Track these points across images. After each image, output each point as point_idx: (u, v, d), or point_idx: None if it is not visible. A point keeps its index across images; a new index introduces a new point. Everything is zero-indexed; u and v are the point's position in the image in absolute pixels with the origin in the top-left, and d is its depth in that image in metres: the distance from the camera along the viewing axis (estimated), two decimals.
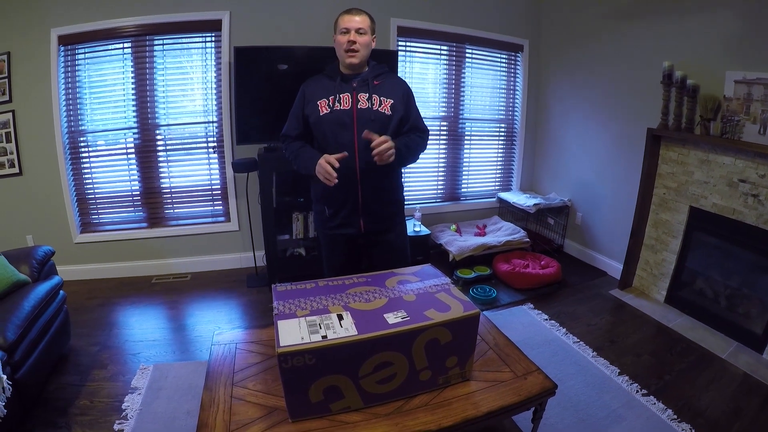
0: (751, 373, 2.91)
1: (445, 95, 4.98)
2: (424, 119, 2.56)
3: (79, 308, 3.60)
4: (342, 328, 1.53)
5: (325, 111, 2.33)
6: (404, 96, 2.44)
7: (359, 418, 1.57)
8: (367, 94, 2.33)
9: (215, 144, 4.27)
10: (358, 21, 2.31)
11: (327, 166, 2.18)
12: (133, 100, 4.03)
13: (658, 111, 3.63)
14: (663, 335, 3.39)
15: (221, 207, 4.46)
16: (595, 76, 4.48)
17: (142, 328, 3.41)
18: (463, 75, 4.98)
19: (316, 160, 2.25)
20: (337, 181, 2.19)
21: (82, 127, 4.02)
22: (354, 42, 2.28)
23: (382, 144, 2.17)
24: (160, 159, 4.22)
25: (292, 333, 1.50)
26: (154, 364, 2.93)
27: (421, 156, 2.55)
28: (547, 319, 3.55)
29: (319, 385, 1.51)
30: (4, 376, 2.08)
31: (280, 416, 1.56)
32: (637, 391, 2.70)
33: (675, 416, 2.49)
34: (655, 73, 3.62)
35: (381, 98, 2.35)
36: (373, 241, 2.56)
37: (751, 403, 2.63)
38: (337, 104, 2.32)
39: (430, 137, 2.57)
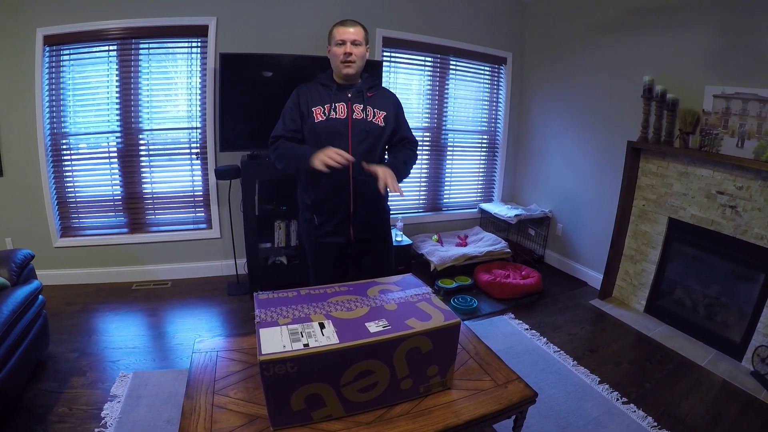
0: (730, 380, 2.97)
1: (428, 106, 5.02)
2: (411, 130, 2.61)
3: (58, 314, 3.54)
4: (324, 337, 1.53)
5: (321, 118, 2.34)
6: (395, 108, 2.49)
7: (341, 427, 1.57)
8: (362, 105, 2.36)
9: (198, 150, 4.25)
10: (353, 32, 2.33)
11: (332, 150, 2.16)
12: (117, 103, 3.99)
13: (638, 124, 3.70)
14: (643, 344, 3.43)
15: (203, 214, 4.43)
16: (576, 90, 4.55)
17: (122, 335, 3.37)
18: (446, 86, 5.03)
19: (314, 150, 2.22)
20: (349, 159, 2.18)
21: (65, 130, 3.97)
22: (350, 54, 2.31)
23: (386, 175, 2.21)
24: (143, 164, 4.18)
25: (274, 341, 1.49)
26: (133, 371, 2.90)
27: None
28: (527, 329, 3.57)
29: (301, 393, 1.51)
30: None
31: (262, 424, 1.55)
32: (618, 399, 2.73)
33: (655, 423, 2.52)
34: (635, 86, 3.69)
35: (375, 110, 2.39)
36: (362, 250, 2.57)
37: (730, 410, 2.69)
38: (332, 113, 2.34)
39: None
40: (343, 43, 2.32)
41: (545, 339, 3.43)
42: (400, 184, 2.28)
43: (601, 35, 4.19)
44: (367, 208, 2.46)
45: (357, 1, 4.32)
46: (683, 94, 3.39)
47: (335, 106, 2.35)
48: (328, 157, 2.14)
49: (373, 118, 2.38)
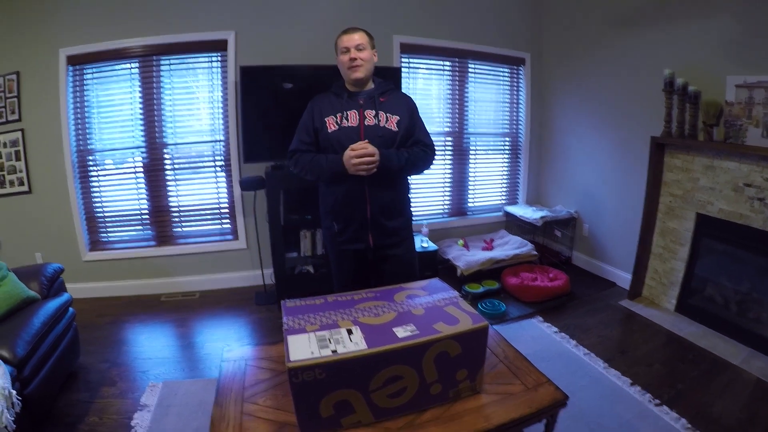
0: (764, 378, 2.89)
1: (449, 110, 5.00)
2: (430, 135, 2.57)
3: (89, 326, 3.61)
4: (352, 343, 1.53)
5: (334, 128, 2.36)
6: (409, 112, 2.47)
7: None
8: (374, 111, 2.37)
9: (222, 162, 4.30)
10: (356, 38, 2.36)
11: (355, 154, 2.23)
12: (140, 119, 4.07)
13: (660, 119, 3.64)
14: (674, 344, 3.37)
15: (229, 225, 4.48)
16: (596, 87, 4.50)
17: (152, 346, 3.42)
18: (466, 90, 5.01)
19: (340, 158, 2.28)
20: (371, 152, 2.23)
21: (91, 146, 4.07)
22: (355, 58, 2.34)
23: (364, 154, 2.22)
24: (168, 178, 4.25)
25: (302, 348, 1.50)
26: (163, 381, 2.93)
27: (426, 171, 2.58)
28: (557, 332, 3.53)
29: (330, 400, 1.51)
30: (14, 392, 2.09)
31: (291, 431, 1.56)
32: (650, 401, 2.68)
33: (689, 425, 2.46)
34: (656, 81, 3.63)
35: (387, 114, 2.39)
36: (382, 256, 2.56)
37: (765, 409, 2.61)
38: (344, 121, 2.35)
39: (436, 152, 2.58)
40: (347, 50, 2.36)
41: (575, 341, 3.38)
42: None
43: (619, 31, 4.14)
44: (385, 213, 2.46)
45: (373, 9, 4.35)
46: (705, 86, 3.32)
47: (347, 114, 2.36)
48: (356, 164, 2.23)
49: (386, 123, 2.38)
